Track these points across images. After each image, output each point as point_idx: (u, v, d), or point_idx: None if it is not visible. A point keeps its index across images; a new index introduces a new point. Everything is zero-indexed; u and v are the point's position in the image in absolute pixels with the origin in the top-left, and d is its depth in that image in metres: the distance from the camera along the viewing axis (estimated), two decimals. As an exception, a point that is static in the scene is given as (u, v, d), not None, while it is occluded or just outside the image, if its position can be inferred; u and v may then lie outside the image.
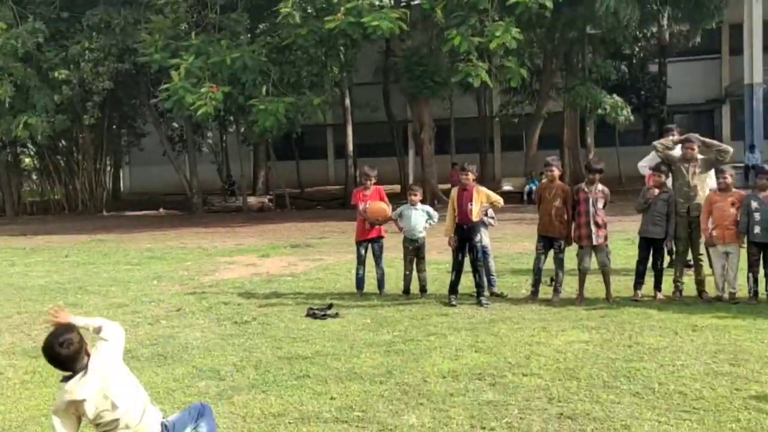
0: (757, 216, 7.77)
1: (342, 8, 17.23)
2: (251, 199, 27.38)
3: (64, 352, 3.66)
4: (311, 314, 7.93)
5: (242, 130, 27.38)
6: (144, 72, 23.52)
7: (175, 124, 32.29)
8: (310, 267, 11.69)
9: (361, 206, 9.10)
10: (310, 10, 18.03)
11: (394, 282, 9.36)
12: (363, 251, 9.18)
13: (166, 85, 18.65)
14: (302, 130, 26.03)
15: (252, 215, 24.23)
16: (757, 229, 7.79)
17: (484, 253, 8.76)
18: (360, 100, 30.97)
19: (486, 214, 8.80)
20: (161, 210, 26.81)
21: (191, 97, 17.85)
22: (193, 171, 26.87)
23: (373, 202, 9.04)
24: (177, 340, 7.19)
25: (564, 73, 25.99)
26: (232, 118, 27.21)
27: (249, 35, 20.07)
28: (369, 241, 9.18)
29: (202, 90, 17.99)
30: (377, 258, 9.17)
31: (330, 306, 8.24)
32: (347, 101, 29.12)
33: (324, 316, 7.85)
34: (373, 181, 9.28)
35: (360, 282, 9.15)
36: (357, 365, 6.06)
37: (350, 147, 29.16)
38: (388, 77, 28.19)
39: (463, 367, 5.90)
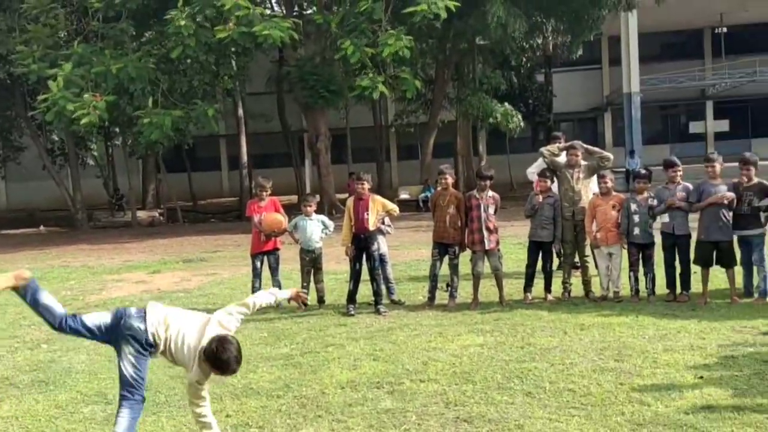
0: (636, 218, 8.20)
1: (233, 18, 16.90)
2: (141, 214, 26.34)
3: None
4: (205, 330, 7.68)
5: (129, 142, 26.36)
6: (20, 82, 22.23)
7: (56, 137, 30.69)
8: (203, 282, 11.36)
9: (255, 218, 8.94)
10: (199, 19, 17.55)
11: (291, 294, 9.22)
12: (259, 264, 9.01)
13: (44, 96, 17.66)
14: (194, 141, 25.37)
15: (142, 230, 23.35)
16: (636, 231, 8.22)
17: (382, 261, 8.80)
18: (254, 110, 30.58)
19: (383, 223, 8.84)
20: (42, 228, 25.32)
21: (72, 105, 16.96)
22: (76, 185, 25.55)
23: (268, 213, 8.90)
24: (59, 364, 6.78)
25: (456, 83, 26.65)
26: (117, 129, 26.13)
27: (135, 44, 19.28)
28: (265, 253, 9.03)
29: (85, 97, 17.13)
30: (273, 270, 9.03)
31: (225, 321, 8.01)
32: (240, 111, 28.66)
33: (219, 332, 7.62)
34: (268, 192, 9.14)
35: (256, 295, 8.96)
36: (254, 380, 5.92)
37: (244, 158, 28.70)
38: (282, 87, 27.97)
39: (361, 376, 5.87)
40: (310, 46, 21.59)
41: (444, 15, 17.25)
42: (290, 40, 17.92)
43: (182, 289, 10.73)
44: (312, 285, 8.88)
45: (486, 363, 6.06)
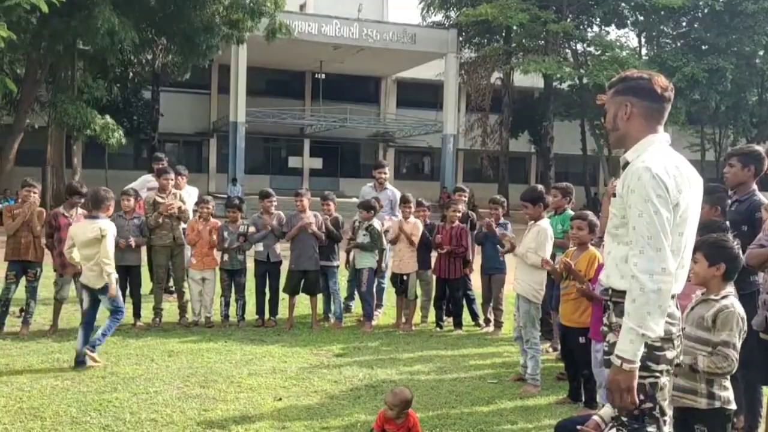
0: (227, 244, 8.38)
1: None
2: None
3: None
4: None
5: None
6: None
7: None
8: None
9: None
10: None
11: None
12: None
13: None
14: None
15: None
16: (226, 257, 8.39)
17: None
18: None
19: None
20: None
21: None
22: None
23: None
24: None
25: (50, 86, 24.30)
26: None
27: None
28: None
29: None
30: None
31: None
32: None
33: None
34: None
35: None
36: None
37: None
38: None
39: None
40: None
41: (45, 9, 15.58)
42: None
43: None
44: None
45: (60, 396, 5.49)
